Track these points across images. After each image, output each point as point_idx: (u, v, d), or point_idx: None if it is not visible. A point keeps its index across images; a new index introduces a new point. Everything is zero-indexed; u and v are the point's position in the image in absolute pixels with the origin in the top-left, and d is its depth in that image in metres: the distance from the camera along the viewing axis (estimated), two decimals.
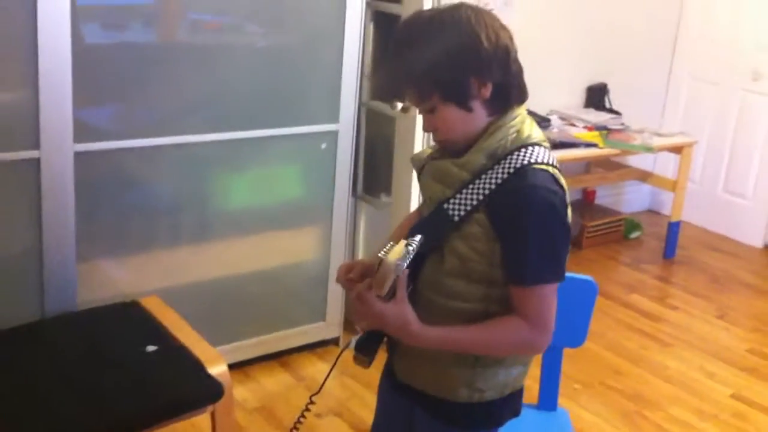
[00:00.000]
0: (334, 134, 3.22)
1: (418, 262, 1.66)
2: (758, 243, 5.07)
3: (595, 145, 4.29)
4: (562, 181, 1.64)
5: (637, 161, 5.12)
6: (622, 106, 4.89)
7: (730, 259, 4.95)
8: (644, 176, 5.01)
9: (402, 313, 1.58)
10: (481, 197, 1.62)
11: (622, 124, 4.67)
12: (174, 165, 2.94)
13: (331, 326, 3.49)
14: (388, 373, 1.87)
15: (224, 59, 2.93)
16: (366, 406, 3.15)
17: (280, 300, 3.37)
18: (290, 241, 3.33)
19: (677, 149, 4.69)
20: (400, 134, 3.34)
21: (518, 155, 1.62)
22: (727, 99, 5.10)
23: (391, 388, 1.87)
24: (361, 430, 3.02)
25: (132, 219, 2.90)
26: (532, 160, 1.62)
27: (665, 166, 5.24)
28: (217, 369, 2.50)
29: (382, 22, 3.35)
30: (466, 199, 1.63)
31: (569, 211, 1.64)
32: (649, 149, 4.47)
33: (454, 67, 1.60)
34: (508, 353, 1.71)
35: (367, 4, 3.18)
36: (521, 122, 1.67)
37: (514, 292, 1.63)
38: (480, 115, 1.65)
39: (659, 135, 4.68)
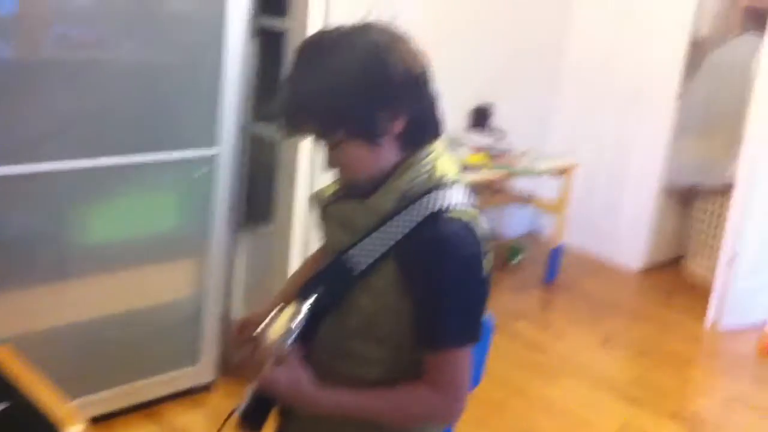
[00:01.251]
0: (212, 159, 2.91)
1: (314, 322, 1.45)
2: (636, 266, 5.10)
3: (480, 169, 4.16)
4: (480, 226, 1.47)
5: (519, 183, 5.04)
6: (508, 127, 4.79)
7: (609, 282, 4.94)
8: (527, 199, 4.94)
9: (294, 375, 1.40)
10: (389, 244, 1.43)
11: (508, 144, 4.56)
12: (28, 196, 2.56)
13: (204, 370, 3.17)
14: None
15: (90, 77, 2.58)
16: None
17: (147, 343, 3.02)
18: (159, 277, 3.00)
19: (561, 171, 4.63)
20: (282, 160, 3.07)
21: (430, 199, 1.44)
22: (607, 122, 5.11)
23: None
24: None
25: None
26: (445, 206, 1.43)
27: (546, 187, 5.19)
28: (75, 429, 2.17)
29: (267, 39, 3.07)
30: (371, 247, 1.44)
31: (489, 258, 1.47)
32: (534, 172, 4.38)
33: (362, 100, 1.39)
34: (415, 424, 1.52)
35: (250, 19, 2.90)
36: (435, 159, 1.49)
37: (424, 356, 1.44)
38: (390, 151, 1.45)
39: (542, 158, 4.61)
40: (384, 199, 1.45)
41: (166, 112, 2.78)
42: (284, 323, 1.41)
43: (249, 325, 1.61)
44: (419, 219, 1.42)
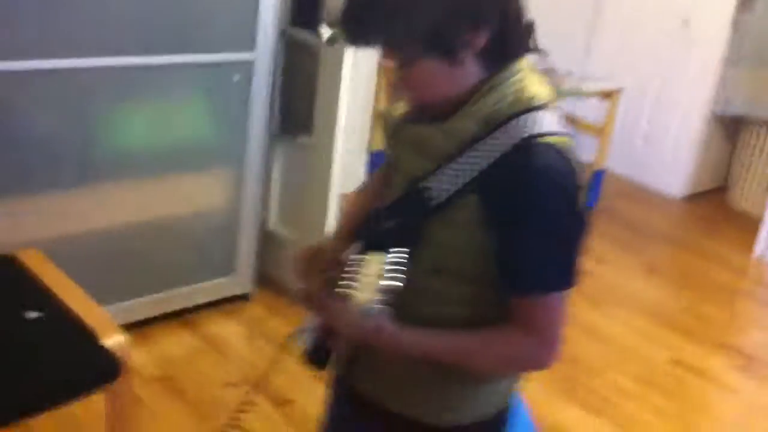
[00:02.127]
0: (249, 64, 2.79)
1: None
2: (678, 194, 4.95)
3: None
4: (574, 156, 1.30)
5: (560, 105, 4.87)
6: (547, 47, 4.59)
7: (651, 209, 4.81)
8: (572, 122, 4.78)
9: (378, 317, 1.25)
10: (472, 175, 1.26)
11: (550, 64, 4.38)
12: (53, 93, 2.47)
13: (240, 280, 3.11)
14: (341, 380, 1.52)
15: None
16: (285, 373, 2.80)
17: (183, 252, 2.96)
18: (195, 186, 2.91)
19: (607, 95, 4.46)
20: (325, 68, 2.94)
21: (519, 123, 1.26)
22: (653, 47, 4.90)
23: (343, 398, 1.53)
24: (280, 404, 2.68)
25: (4, 156, 2.43)
26: (537, 131, 1.26)
27: (586, 109, 5.01)
28: (113, 340, 2.13)
29: None
30: (451, 176, 1.28)
31: (583, 192, 1.30)
32: (581, 93, 4.22)
33: (442, 7, 1.22)
34: (502, 370, 1.39)
35: None
36: (523, 79, 1.30)
37: (513, 299, 1.29)
38: (471, 71, 1.28)
39: (588, 80, 4.44)
40: (465, 122, 1.28)
41: (203, 11, 2.65)
42: (369, 281, 1.17)
43: (317, 254, 1.46)
44: (507, 146, 1.25)
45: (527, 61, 1.33)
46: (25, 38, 2.34)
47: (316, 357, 1.40)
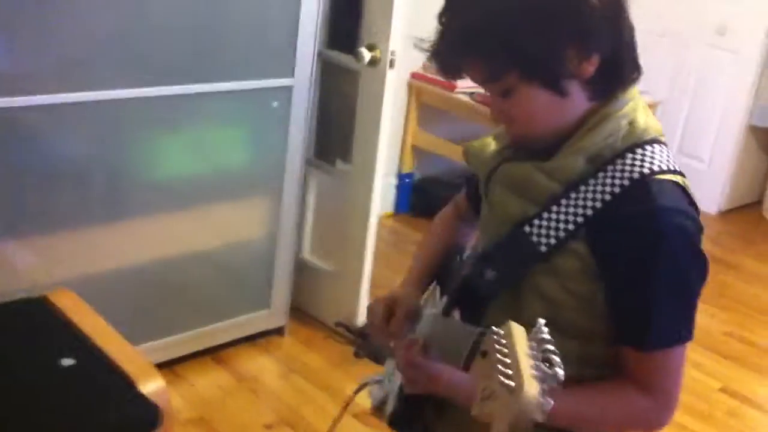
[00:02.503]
0: (288, 90, 2.66)
1: (476, 305, 1.18)
2: (713, 210, 4.81)
3: None
4: (692, 192, 1.17)
5: None
6: None
7: None
8: None
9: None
10: (580, 219, 1.13)
11: None
12: (94, 126, 2.34)
13: (276, 314, 2.98)
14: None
15: None
16: (322, 412, 2.68)
17: (216, 286, 2.83)
18: (230, 217, 2.78)
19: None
20: (364, 91, 2.81)
21: (634, 159, 1.13)
22: (687, 56, 4.76)
23: None
24: None
25: (35, 192, 2.30)
26: (656, 167, 1.13)
27: None
28: (152, 385, 2.00)
29: None
30: (558, 220, 1.14)
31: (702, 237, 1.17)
32: None
33: (545, 31, 1.09)
34: (617, 429, 1.26)
35: None
36: (634, 109, 1.17)
37: (629, 354, 1.16)
38: (577, 101, 1.15)
39: None
40: (571, 160, 1.15)
41: (241, 38, 2.52)
42: (523, 366, 0.86)
43: (393, 305, 1.34)
44: (620, 186, 1.12)
45: (637, 90, 1.20)
46: (58, 70, 2.21)
47: (401, 424, 1.28)
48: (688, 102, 4.78)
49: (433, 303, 1.35)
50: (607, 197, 1.12)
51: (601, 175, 1.14)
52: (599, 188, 1.13)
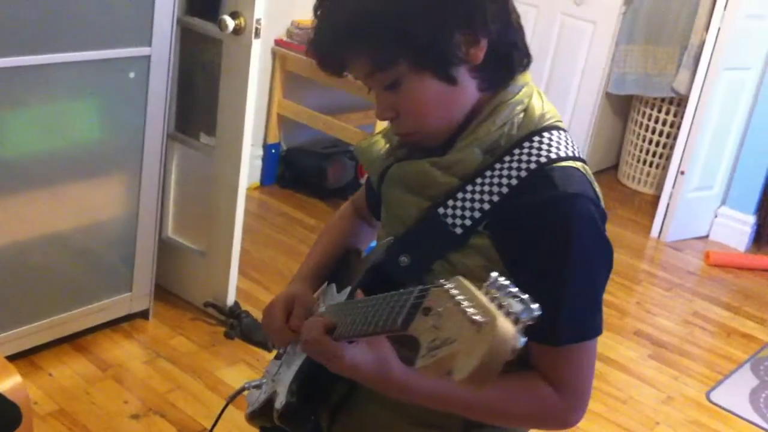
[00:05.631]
0: (146, 59, 2.50)
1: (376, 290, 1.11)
2: None
3: None
4: (593, 179, 1.14)
5: None
6: None
7: None
8: None
9: (382, 359, 1.06)
10: (478, 213, 1.08)
11: None
12: None
13: (138, 297, 2.82)
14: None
15: None
16: (194, 398, 2.57)
17: (74, 270, 2.65)
18: (86, 196, 2.60)
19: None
20: (228, 61, 2.68)
21: (532, 146, 1.09)
22: (547, 24, 4.84)
23: None
24: (192, 431, 2.45)
25: None
26: (553, 155, 1.09)
27: None
28: (9, 383, 1.85)
29: None
30: (454, 215, 1.10)
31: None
32: None
33: (433, 15, 1.04)
34: (523, 426, 1.22)
35: None
36: (528, 95, 1.13)
37: (538, 350, 1.11)
38: (468, 90, 1.10)
39: None
40: (467, 153, 1.10)
41: (93, 4, 2.33)
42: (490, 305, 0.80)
43: (291, 303, 1.26)
44: (517, 178, 1.08)
45: (529, 75, 1.16)
46: None
47: (291, 419, 1.21)
48: (548, 71, 4.87)
49: (327, 300, 1.27)
50: (505, 189, 1.08)
51: (497, 166, 1.09)
52: (496, 180, 1.08)
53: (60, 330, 2.64)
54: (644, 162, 4.82)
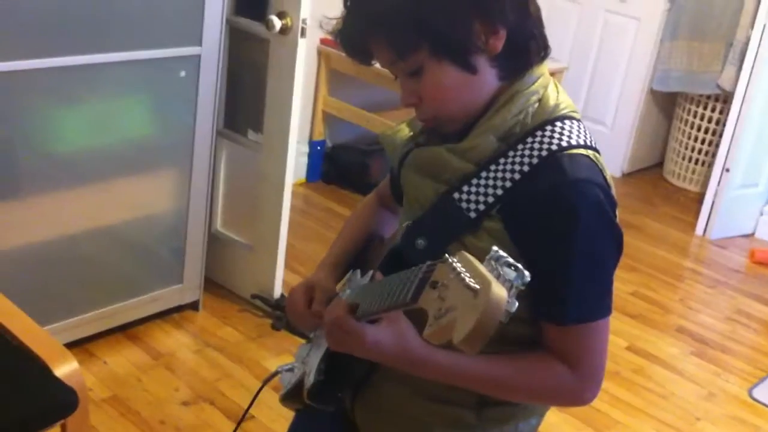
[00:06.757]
0: (196, 59, 2.59)
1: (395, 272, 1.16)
2: (617, 172, 4.94)
3: None
4: (606, 168, 1.18)
5: None
6: None
7: None
8: None
9: (401, 335, 1.12)
10: (492, 198, 1.13)
11: None
12: None
13: (189, 289, 2.92)
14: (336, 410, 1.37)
15: None
16: (240, 386, 2.65)
17: (127, 262, 2.76)
18: (139, 190, 2.70)
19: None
20: (275, 60, 2.76)
21: (545, 135, 1.14)
22: (591, 21, 4.85)
23: (330, 417, 1.38)
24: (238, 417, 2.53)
25: None
26: (564, 143, 1.13)
27: None
28: (67, 369, 1.94)
29: None
30: (468, 200, 1.15)
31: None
32: None
33: (452, 4, 1.09)
34: (540, 401, 1.27)
35: None
36: (544, 86, 1.18)
37: (550, 330, 1.17)
38: (487, 79, 1.15)
39: None
40: (483, 139, 1.15)
41: (146, 5, 2.42)
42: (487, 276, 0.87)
43: (311, 290, 1.33)
44: (528, 164, 1.13)
45: (547, 66, 1.21)
46: None
47: (321, 398, 1.28)
48: (591, 68, 4.88)
49: (352, 285, 1.34)
50: (517, 176, 1.13)
51: (511, 153, 1.14)
52: (509, 167, 1.14)
53: (114, 320, 2.74)
54: (689, 159, 4.80)
